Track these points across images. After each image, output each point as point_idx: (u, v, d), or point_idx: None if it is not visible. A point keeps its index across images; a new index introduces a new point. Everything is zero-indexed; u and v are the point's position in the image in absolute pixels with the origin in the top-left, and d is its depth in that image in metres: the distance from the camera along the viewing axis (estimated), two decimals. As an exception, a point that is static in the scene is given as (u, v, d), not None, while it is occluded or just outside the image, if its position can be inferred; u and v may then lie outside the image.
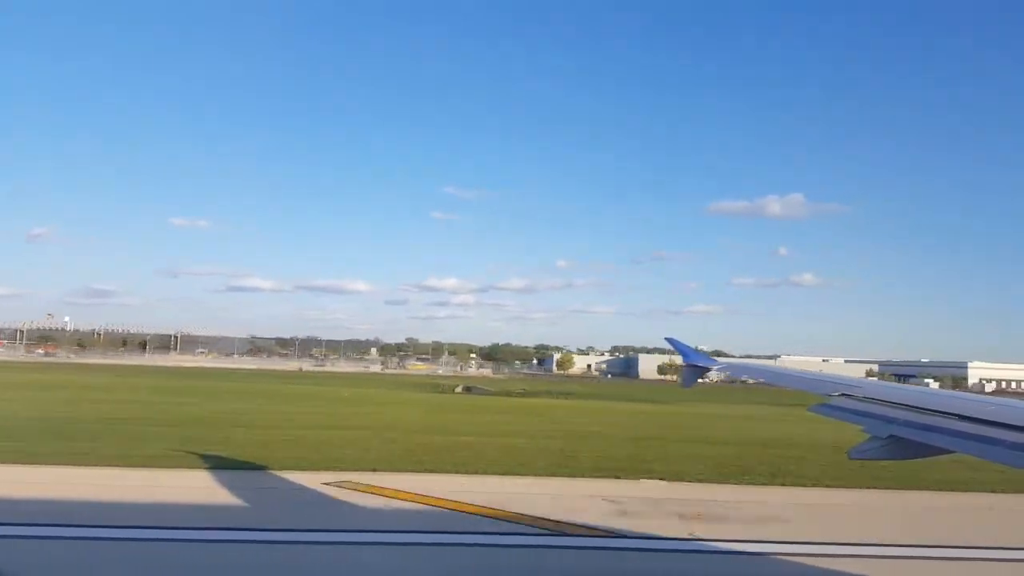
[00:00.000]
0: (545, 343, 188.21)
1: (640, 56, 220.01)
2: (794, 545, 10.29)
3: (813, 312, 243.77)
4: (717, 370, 9.58)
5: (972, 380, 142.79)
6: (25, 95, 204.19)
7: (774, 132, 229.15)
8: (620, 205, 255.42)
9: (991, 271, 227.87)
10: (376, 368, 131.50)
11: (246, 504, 11.92)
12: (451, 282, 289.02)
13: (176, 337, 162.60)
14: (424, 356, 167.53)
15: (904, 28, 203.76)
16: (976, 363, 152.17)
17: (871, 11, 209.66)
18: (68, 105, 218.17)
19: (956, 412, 4.75)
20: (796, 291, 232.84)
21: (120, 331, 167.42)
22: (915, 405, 5.21)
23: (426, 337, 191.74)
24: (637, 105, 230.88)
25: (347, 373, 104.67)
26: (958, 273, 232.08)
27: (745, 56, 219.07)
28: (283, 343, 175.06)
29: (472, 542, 10.11)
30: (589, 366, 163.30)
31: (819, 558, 9.70)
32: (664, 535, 10.67)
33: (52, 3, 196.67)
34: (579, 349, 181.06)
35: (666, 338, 10.52)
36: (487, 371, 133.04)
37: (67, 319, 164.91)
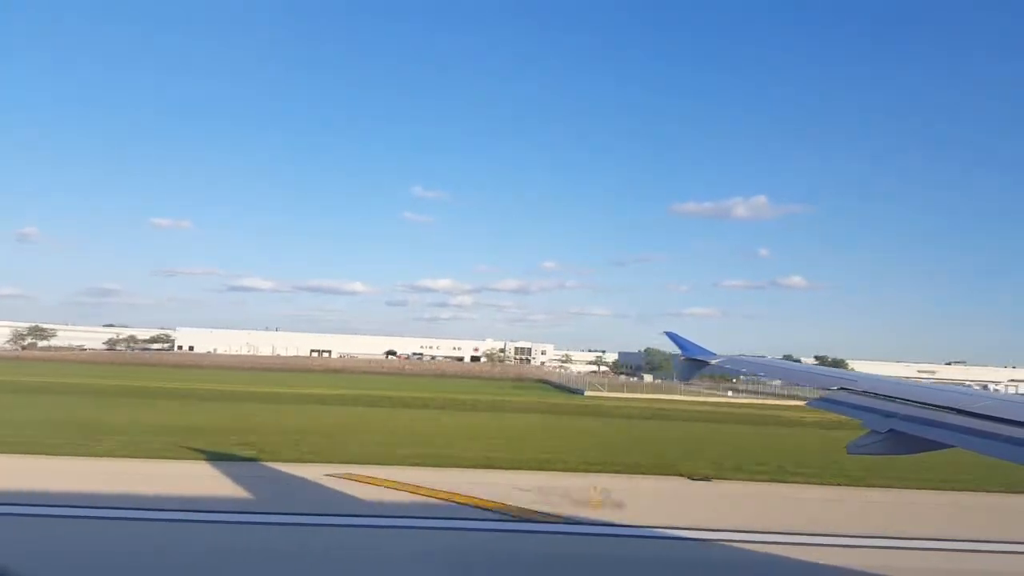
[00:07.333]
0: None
1: (625, 54, 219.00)
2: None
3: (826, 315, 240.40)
4: (716, 363, 9.56)
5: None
6: (24, 97, 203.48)
7: (742, 133, 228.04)
8: (598, 206, 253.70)
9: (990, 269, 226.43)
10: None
11: None
12: (445, 283, 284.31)
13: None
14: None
15: (875, 28, 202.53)
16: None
17: (838, 12, 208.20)
18: (60, 103, 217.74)
19: (955, 407, 4.73)
20: (796, 293, 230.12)
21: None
22: (914, 400, 5.20)
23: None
24: (608, 104, 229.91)
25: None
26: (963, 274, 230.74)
27: (729, 55, 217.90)
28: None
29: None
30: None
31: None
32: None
33: (49, 7, 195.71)
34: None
35: (665, 332, 10.59)
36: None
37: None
